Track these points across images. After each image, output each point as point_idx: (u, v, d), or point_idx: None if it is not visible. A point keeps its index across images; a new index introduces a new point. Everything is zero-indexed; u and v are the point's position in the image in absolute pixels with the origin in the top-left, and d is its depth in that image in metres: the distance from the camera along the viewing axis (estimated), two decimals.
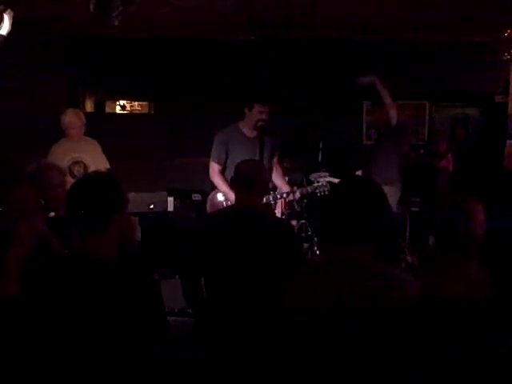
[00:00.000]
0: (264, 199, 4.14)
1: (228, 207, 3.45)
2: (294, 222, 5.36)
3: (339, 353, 1.71)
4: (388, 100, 5.19)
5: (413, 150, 7.02)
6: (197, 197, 5.37)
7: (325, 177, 5.45)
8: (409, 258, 2.32)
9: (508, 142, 6.02)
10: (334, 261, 1.80)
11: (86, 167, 4.91)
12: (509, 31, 5.33)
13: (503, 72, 6.22)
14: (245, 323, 2.52)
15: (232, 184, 2.83)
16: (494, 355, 1.90)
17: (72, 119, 4.88)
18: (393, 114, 5.20)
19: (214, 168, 4.21)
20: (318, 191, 4.43)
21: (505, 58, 5.64)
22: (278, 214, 4.85)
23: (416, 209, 5.75)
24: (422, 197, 5.77)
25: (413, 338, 1.73)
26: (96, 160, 4.99)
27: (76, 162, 4.89)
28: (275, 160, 4.39)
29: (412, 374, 1.74)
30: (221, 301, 2.60)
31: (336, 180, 5.18)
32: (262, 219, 2.75)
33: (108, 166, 5.07)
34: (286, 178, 5.59)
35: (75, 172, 4.82)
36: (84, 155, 4.92)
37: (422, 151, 7.12)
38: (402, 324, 1.70)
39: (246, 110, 4.18)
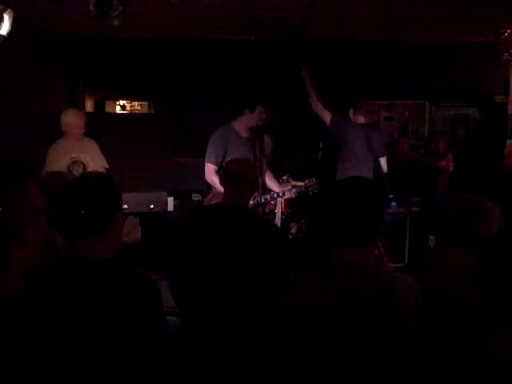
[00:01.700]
0: (262, 199, 4.15)
1: (215, 205, 3.46)
2: (293, 223, 5.36)
3: (339, 353, 1.70)
4: (311, 99, 5.06)
5: (413, 149, 7.03)
6: (197, 197, 5.37)
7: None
8: (375, 251, 2.31)
9: (508, 141, 6.03)
10: (335, 264, 1.79)
11: (85, 167, 4.90)
12: (509, 31, 5.34)
13: (503, 72, 6.22)
14: (230, 319, 2.54)
15: (221, 182, 2.86)
16: (494, 353, 1.90)
17: (74, 120, 4.87)
18: (320, 114, 5.08)
19: (210, 168, 4.17)
20: (309, 189, 4.44)
21: (505, 58, 5.64)
22: (278, 215, 4.85)
23: (416, 209, 5.75)
24: (422, 197, 5.76)
25: (415, 338, 1.73)
26: (95, 160, 4.98)
27: (75, 162, 4.88)
28: (265, 160, 4.39)
29: (414, 374, 1.74)
30: (207, 296, 2.62)
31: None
32: (248, 217, 2.79)
33: (106, 166, 5.07)
34: (286, 178, 5.61)
35: (74, 172, 4.81)
36: (83, 155, 4.92)
37: (422, 151, 7.12)
38: (404, 326, 1.70)
39: (247, 112, 4.18)
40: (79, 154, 4.90)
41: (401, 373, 1.70)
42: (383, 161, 5.05)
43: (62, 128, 4.88)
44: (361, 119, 5.08)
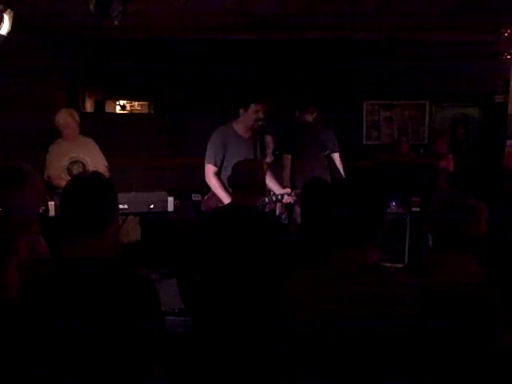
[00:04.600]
0: (260, 202, 4.13)
1: (225, 206, 3.44)
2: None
3: (339, 355, 1.70)
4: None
5: (413, 150, 7.03)
6: (197, 197, 5.36)
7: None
8: None
9: (508, 141, 6.02)
10: (336, 263, 1.79)
11: (84, 166, 4.91)
12: (509, 31, 5.34)
13: (503, 72, 6.22)
14: (239, 321, 2.53)
15: (229, 183, 2.84)
16: (492, 352, 1.90)
17: (67, 119, 4.89)
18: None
19: (210, 170, 4.14)
20: None
21: (505, 58, 5.63)
22: (277, 213, 4.83)
23: (416, 209, 5.75)
24: (422, 197, 5.76)
25: (414, 338, 1.73)
26: (94, 159, 4.99)
27: (75, 162, 4.89)
28: (267, 161, 4.37)
29: (414, 374, 1.74)
30: (215, 298, 2.62)
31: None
32: (260, 219, 2.78)
33: (106, 164, 5.07)
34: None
35: (74, 172, 4.82)
36: (82, 155, 4.93)
37: (421, 151, 7.12)
38: (403, 326, 1.70)
39: (242, 111, 4.15)
40: (78, 153, 4.91)
41: (403, 370, 1.70)
42: (337, 157, 5.23)
43: (57, 129, 4.90)
44: (308, 118, 5.30)
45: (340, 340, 1.69)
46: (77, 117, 4.97)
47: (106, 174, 4.84)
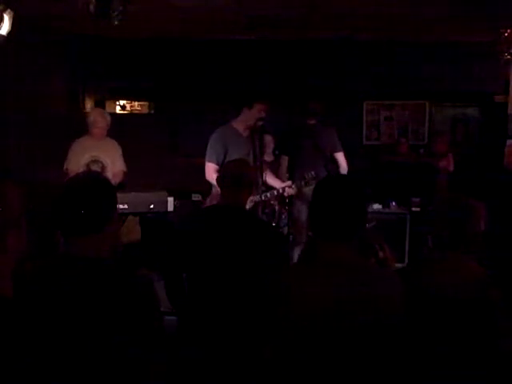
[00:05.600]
0: (262, 197, 4.15)
1: (214, 205, 3.44)
2: None
3: (331, 351, 1.71)
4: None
5: (413, 150, 7.03)
6: (197, 197, 5.37)
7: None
8: (380, 254, 2.30)
9: (508, 141, 6.02)
10: (321, 260, 1.80)
11: (103, 167, 4.96)
12: (509, 31, 5.34)
13: (503, 72, 6.22)
14: (226, 320, 2.53)
15: (218, 182, 2.85)
16: (490, 352, 1.90)
17: (96, 118, 4.98)
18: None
19: (211, 168, 4.15)
20: (309, 184, 4.39)
21: (505, 58, 5.63)
22: (277, 213, 4.84)
23: (416, 209, 5.75)
24: (421, 197, 5.77)
25: (407, 335, 1.74)
26: (114, 161, 5.04)
27: (94, 161, 4.95)
28: (266, 160, 4.40)
29: (407, 371, 1.74)
30: (203, 298, 2.62)
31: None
32: (248, 218, 2.79)
33: (125, 170, 5.12)
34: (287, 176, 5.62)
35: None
36: (103, 155, 4.99)
37: (421, 151, 7.12)
38: (391, 321, 1.71)
39: (246, 109, 4.18)
40: (100, 153, 4.97)
41: (401, 369, 1.70)
42: (340, 156, 5.23)
43: (87, 126, 4.99)
44: (311, 120, 5.30)
45: (330, 333, 1.70)
46: (108, 118, 5.06)
47: (120, 178, 4.92)
